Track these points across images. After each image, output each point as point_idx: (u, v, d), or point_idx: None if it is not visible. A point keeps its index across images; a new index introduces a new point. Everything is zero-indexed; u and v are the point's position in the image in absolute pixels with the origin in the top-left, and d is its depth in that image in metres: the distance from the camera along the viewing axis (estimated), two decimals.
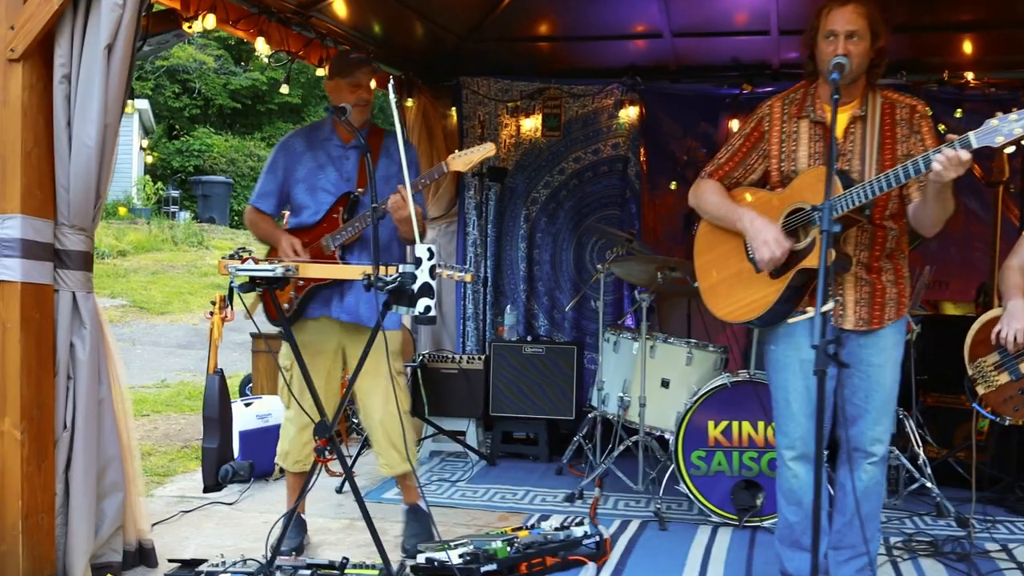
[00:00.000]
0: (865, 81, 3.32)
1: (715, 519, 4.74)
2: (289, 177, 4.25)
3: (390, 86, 3.55)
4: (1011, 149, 5.57)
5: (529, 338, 6.41)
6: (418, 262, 3.40)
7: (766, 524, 4.67)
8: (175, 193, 21.58)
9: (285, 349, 4.24)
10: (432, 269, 3.39)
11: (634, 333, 5.66)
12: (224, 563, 3.79)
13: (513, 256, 7.03)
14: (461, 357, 6.20)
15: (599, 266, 5.66)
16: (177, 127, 25.43)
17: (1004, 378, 3.45)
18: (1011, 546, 4.43)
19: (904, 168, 2.98)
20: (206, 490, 5.13)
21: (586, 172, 6.96)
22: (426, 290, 3.39)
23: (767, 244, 3.23)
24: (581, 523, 4.25)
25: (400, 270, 3.41)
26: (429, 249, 3.40)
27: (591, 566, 4.03)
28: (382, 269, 3.42)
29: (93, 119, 3.48)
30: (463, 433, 6.09)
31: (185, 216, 20.34)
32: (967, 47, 6.19)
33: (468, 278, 3.63)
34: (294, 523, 4.17)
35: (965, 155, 2.82)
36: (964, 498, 4.98)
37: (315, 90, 29.12)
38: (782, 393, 3.42)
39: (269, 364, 6.25)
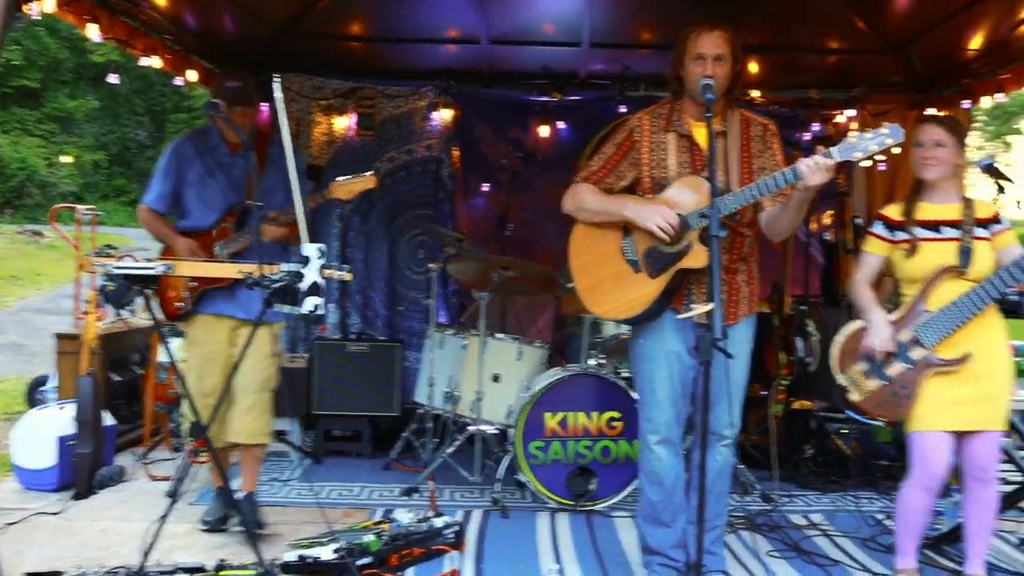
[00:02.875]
0: (725, 100, 3.65)
1: (552, 505, 5.00)
2: (181, 181, 4.41)
3: (276, 84, 3.55)
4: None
5: (353, 336, 6.45)
6: (306, 261, 3.43)
7: (599, 508, 4.99)
8: None
9: (183, 342, 4.57)
10: (321, 268, 3.43)
11: (457, 330, 5.84)
12: (85, 573, 3.67)
13: (326, 254, 6.99)
14: (283, 356, 6.15)
15: (431, 265, 5.81)
16: None
17: (875, 384, 3.78)
18: (811, 516, 4.99)
19: (775, 178, 3.33)
20: (77, 496, 4.87)
21: (400, 172, 7.05)
22: (314, 289, 3.42)
23: (657, 220, 3.48)
24: (440, 515, 4.39)
25: (284, 268, 3.43)
26: (319, 248, 3.45)
27: (454, 554, 4.19)
28: (267, 268, 3.43)
29: None
30: (285, 432, 6.04)
31: None
32: (753, 67, 6.77)
33: (348, 277, 3.67)
34: (222, 496, 4.53)
35: (829, 162, 3.20)
36: (761, 476, 5.53)
37: (54, 74, 27.39)
38: (648, 383, 3.71)
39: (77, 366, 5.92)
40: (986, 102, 6.12)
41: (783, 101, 6.97)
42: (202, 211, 4.37)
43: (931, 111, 6.61)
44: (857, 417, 3.92)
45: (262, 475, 5.55)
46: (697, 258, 3.50)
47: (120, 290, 3.45)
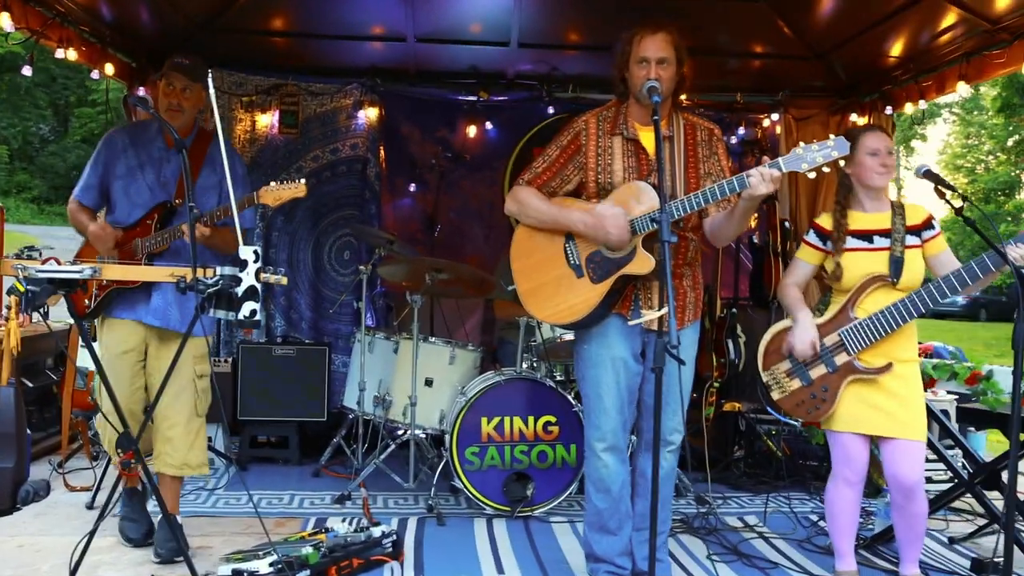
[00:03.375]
0: (671, 103, 3.62)
1: (489, 511, 4.94)
2: (108, 172, 4.17)
3: (209, 80, 3.43)
4: None
5: (279, 339, 6.28)
6: (243, 265, 3.30)
7: (537, 513, 4.94)
8: None
9: (100, 348, 4.07)
10: (258, 272, 3.31)
11: (388, 333, 5.74)
12: None
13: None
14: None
15: (361, 267, 5.69)
16: None
17: (796, 384, 3.82)
18: (746, 518, 5.01)
19: (722, 186, 3.31)
20: (0, 514, 4.61)
21: (324, 171, 6.88)
22: (251, 294, 3.30)
23: (610, 236, 3.44)
24: (377, 523, 4.28)
25: (219, 272, 3.29)
26: (255, 252, 3.32)
27: (394, 564, 4.08)
28: (200, 271, 3.29)
29: None
30: (209, 439, 5.84)
31: None
32: None
33: (284, 281, 3.54)
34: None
35: (777, 173, 3.20)
36: (692, 479, 5.55)
37: None
38: (594, 389, 3.65)
39: None
40: (909, 108, 6.22)
41: (708, 104, 7.00)
42: (126, 207, 4.13)
43: (854, 116, 6.73)
44: (776, 415, 3.95)
45: (186, 484, 5.38)
46: (641, 264, 3.46)
47: (43, 294, 3.28)
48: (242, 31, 6.44)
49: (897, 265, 3.68)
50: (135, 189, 4.12)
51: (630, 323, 3.52)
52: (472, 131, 7.02)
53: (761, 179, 3.20)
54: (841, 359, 3.73)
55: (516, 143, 7.23)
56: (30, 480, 4.88)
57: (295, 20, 6.56)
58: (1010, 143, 30.50)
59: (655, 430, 3.10)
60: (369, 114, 6.86)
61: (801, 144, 3.26)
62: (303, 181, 4.08)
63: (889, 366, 3.68)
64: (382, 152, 6.96)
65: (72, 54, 5.27)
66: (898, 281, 3.67)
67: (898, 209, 3.81)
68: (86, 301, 4.10)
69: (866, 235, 3.77)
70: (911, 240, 3.74)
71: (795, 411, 3.86)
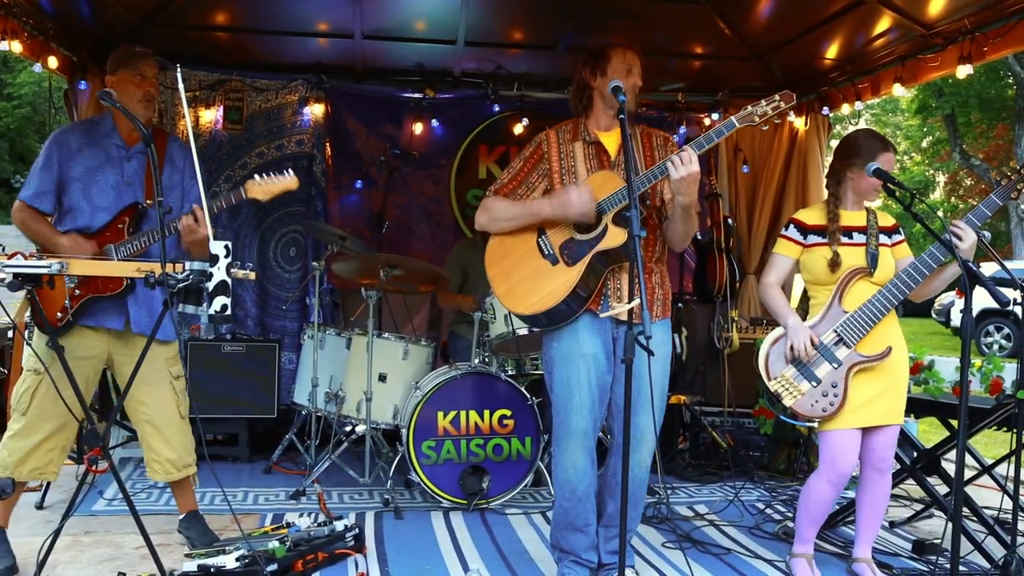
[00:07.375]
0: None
1: (445, 504, 4.99)
2: (64, 175, 3.92)
3: (178, 74, 3.41)
4: None
5: (228, 336, 6.24)
6: (214, 259, 3.30)
7: (493, 506, 5.01)
8: None
9: (29, 352, 3.83)
10: (229, 267, 3.31)
11: (339, 329, 5.75)
12: None
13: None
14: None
15: (314, 263, 5.69)
16: None
17: (806, 387, 3.84)
18: (696, 507, 5.15)
19: (662, 165, 3.43)
20: None
21: (270, 168, 6.82)
22: (222, 288, 3.30)
23: (575, 202, 3.52)
24: (338, 518, 4.30)
25: (189, 267, 3.29)
26: (226, 246, 3.32)
27: (358, 558, 4.11)
28: (170, 266, 3.27)
29: None
30: None
31: None
32: None
33: (252, 276, 3.55)
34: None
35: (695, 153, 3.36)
36: None
37: None
38: (564, 387, 3.67)
39: None
40: (846, 109, 6.44)
41: (651, 103, 7.13)
42: (89, 211, 3.89)
43: (791, 116, 6.93)
44: (793, 423, 3.94)
45: (136, 482, 5.35)
46: (613, 238, 3.52)
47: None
48: (185, 26, 6.38)
49: (873, 259, 3.86)
50: (97, 191, 3.91)
51: (601, 315, 3.59)
52: (418, 128, 7.05)
53: (683, 161, 3.34)
54: (842, 353, 3.83)
55: (462, 141, 7.29)
56: None
57: (239, 15, 6.50)
58: (924, 144, 31.43)
59: (625, 426, 3.06)
60: (315, 110, 6.85)
61: (749, 105, 3.39)
62: (291, 172, 4.06)
63: (889, 351, 3.82)
64: (328, 149, 6.95)
65: (17, 46, 5.19)
66: (874, 273, 3.84)
67: (870, 212, 4.00)
68: (58, 313, 3.85)
69: (846, 231, 3.92)
70: (883, 239, 3.93)
71: (811, 412, 3.84)
